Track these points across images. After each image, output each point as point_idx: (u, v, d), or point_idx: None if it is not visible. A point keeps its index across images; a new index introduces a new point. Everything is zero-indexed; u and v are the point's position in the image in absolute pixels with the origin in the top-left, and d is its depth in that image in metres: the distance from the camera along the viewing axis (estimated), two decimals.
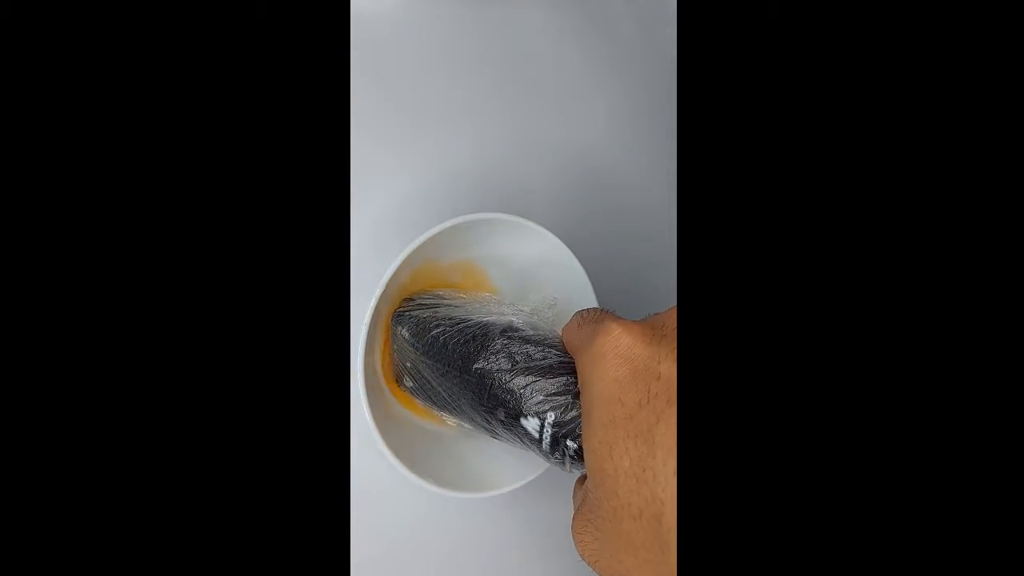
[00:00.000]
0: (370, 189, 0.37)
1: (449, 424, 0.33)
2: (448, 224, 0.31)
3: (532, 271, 0.36)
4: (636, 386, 0.21)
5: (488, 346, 0.28)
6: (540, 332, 0.28)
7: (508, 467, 0.34)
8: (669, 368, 0.20)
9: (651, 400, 0.20)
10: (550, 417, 0.25)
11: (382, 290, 0.30)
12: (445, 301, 0.32)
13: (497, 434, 0.28)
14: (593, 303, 0.35)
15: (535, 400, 0.26)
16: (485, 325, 0.29)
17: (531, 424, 0.26)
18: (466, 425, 0.31)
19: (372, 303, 0.30)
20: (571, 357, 0.26)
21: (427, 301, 0.32)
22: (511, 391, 0.26)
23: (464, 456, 0.35)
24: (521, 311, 0.29)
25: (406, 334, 0.32)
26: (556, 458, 0.26)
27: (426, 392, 0.32)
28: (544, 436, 0.26)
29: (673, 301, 0.22)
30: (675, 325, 0.21)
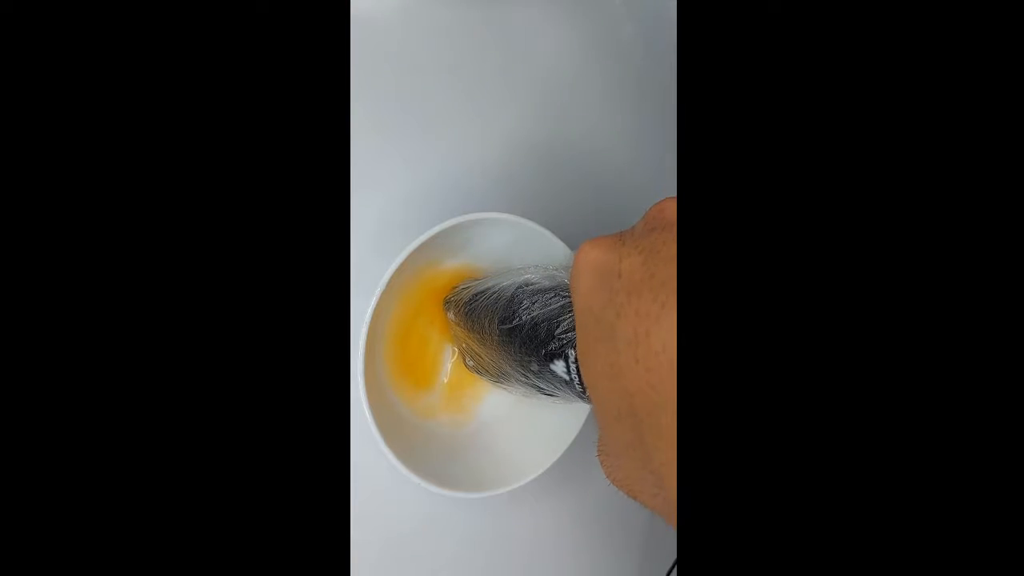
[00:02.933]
0: (371, 190, 0.37)
1: (515, 396, 0.34)
2: (449, 224, 0.31)
3: None
4: (601, 289, 0.21)
5: (509, 305, 0.29)
6: (556, 280, 0.29)
7: (509, 467, 0.34)
8: (629, 264, 0.20)
9: (612, 298, 0.20)
10: (572, 355, 0.26)
11: (382, 290, 0.30)
12: (478, 280, 0.33)
13: (545, 390, 0.29)
14: None
15: (555, 343, 0.26)
16: (505, 288, 0.30)
17: (559, 367, 0.27)
18: (527, 396, 0.32)
19: (372, 303, 0.30)
20: None
21: (467, 284, 0.34)
22: (534, 338, 0.27)
23: (464, 456, 0.35)
24: (538, 267, 0.30)
25: (451, 316, 0.34)
26: (589, 397, 0.26)
27: (482, 367, 0.33)
28: (572, 375, 0.26)
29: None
30: (642, 227, 0.21)
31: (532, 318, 0.28)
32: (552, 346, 0.27)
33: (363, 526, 0.36)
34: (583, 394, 0.26)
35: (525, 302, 0.28)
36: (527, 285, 0.29)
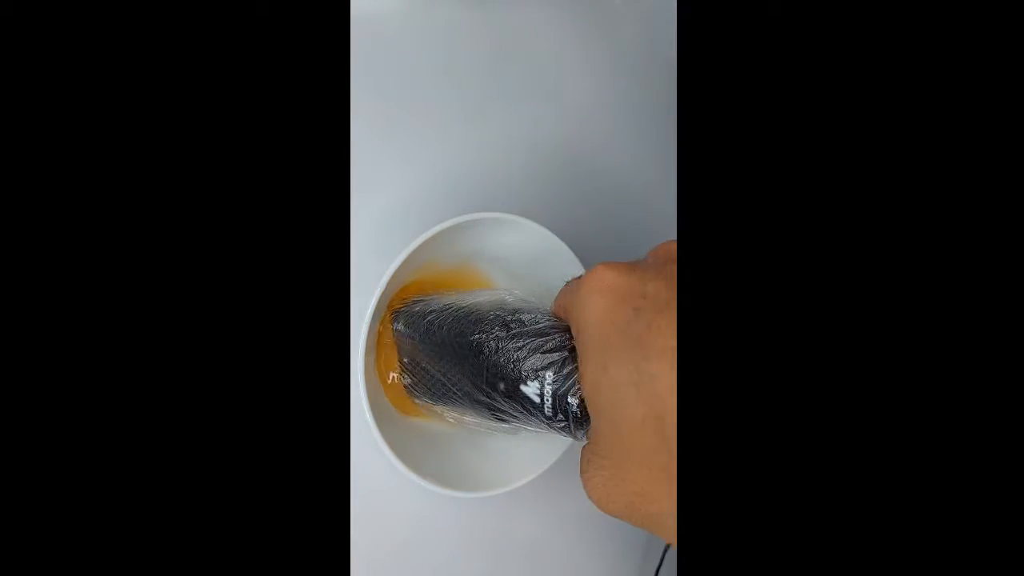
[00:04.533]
0: (371, 190, 0.37)
1: (448, 421, 0.33)
2: (448, 224, 0.31)
3: (533, 271, 0.36)
4: (623, 307, 0.22)
5: (482, 320, 0.28)
6: (531, 303, 0.29)
7: (508, 466, 0.34)
8: (655, 287, 0.21)
9: (639, 313, 0.21)
10: (548, 377, 0.26)
11: (382, 290, 0.30)
12: (438, 295, 0.33)
13: (500, 414, 0.28)
14: None
15: (531, 362, 0.26)
16: (478, 304, 0.30)
17: (531, 389, 0.26)
18: (466, 418, 0.31)
19: (373, 302, 0.30)
20: (562, 320, 0.27)
21: (421, 298, 0.33)
22: (508, 356, 0.27)
23: (464, 456, 0.35)
24: (512, 291, 0.30)
25: (401, 327, 0.33)
26: (560, 421, 0.26)
27: (424, 384, 0.32)
28: (545, 399, 0.26)
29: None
30: (655, 258, 0.23)
31: (507, 339, 0.27)
32: (527, 365, 0.26)
33: (363, 526, 0.36)
34: (551, 417, 0.26)
35: (497, 320, 0.28)
36: (502, 303, 0.29)
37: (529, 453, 0.35)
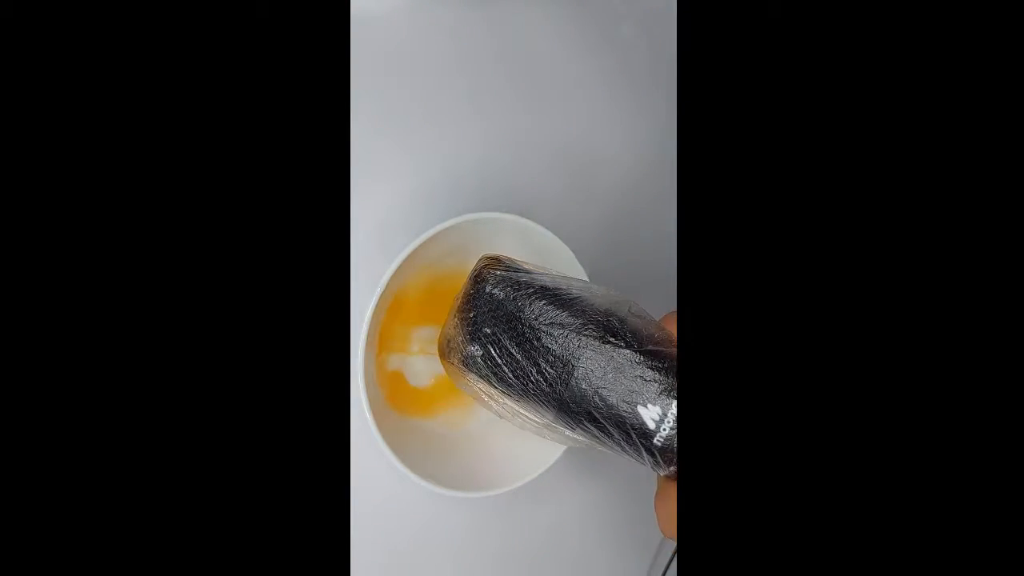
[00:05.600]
0: (372, 190, 0.37)
1: (486, 401, 0.30)
2: (449, 223, 0.31)
3: None
4: None
5: (609, 320, 0.26)
6: (647, 316, 0.27)
7: (510, 466, 0.34)
8: None
9: None
10: (675, 408, 0.25)
11: (382, 289, 0.30)
12: (547, 274, 0.29)
13: (591, 424, 0.26)
14: None
15: (664, 386, 0.25)
16: (597, 300, 0.27)
17: (650, 413, 0.25)
18: (524, 411, 0.29)
19: (372, 302, 0.30)
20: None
21: (526, 269, 0.30)
22: (640, 373, 0.25)
23: (465, 456, 0.35)
24: (633, 302, 0.28)
25: (499, 293, 0.28)
26: (665, 452, 0.25)
27: (500, 366, 0.28)
28: (662, 427, 0.25)
29: (673, 301, 0.22)
30: None
31: (645, 351, 0.25)
32: (660, 388, 0.25)
33: (363, 527, 0.36)
34: (661, 447, 0.25)
35: (633, 336, 0.26)
36: (631, 312, 0.27)
37: (530, 452, 0.35)
